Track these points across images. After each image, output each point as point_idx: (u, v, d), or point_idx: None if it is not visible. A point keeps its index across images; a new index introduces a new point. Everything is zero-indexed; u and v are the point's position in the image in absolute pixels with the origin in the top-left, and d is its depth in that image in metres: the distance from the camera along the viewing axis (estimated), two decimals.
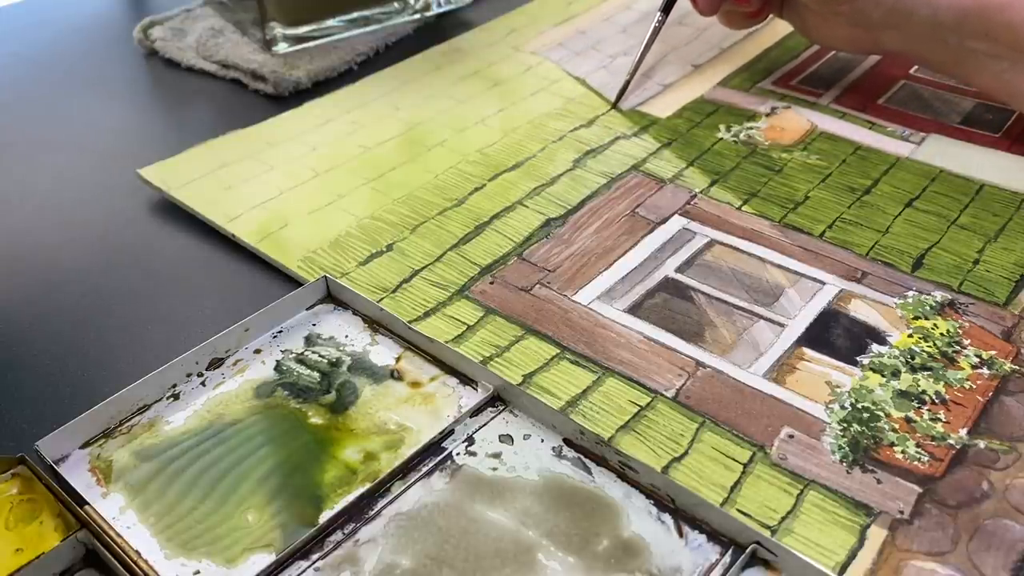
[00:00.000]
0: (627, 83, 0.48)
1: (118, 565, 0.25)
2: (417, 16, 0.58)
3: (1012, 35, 0.37)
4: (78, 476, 0.28)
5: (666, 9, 0.47)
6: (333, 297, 0.35)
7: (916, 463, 0.27)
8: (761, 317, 0.33)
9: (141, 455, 0.29)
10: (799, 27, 0.47)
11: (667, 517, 0.26)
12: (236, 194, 0.41)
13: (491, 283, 0.35)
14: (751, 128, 0.45)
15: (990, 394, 0.29)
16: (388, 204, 0.40)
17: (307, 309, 0.34)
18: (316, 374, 0.31)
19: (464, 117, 0.47)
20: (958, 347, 0.31)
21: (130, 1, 0.67)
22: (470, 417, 0.29)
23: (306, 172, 0.43)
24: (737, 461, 0.27)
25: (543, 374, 0.30)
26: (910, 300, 0.33)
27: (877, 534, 0.25)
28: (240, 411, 0.30)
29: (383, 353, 0.32)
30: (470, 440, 0.29)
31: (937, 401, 0.29)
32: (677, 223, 0.38)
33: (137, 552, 0.25)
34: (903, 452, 0.27)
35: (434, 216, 0.39)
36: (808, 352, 0.31)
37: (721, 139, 0.44)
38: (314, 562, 0.25)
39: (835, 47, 0.47)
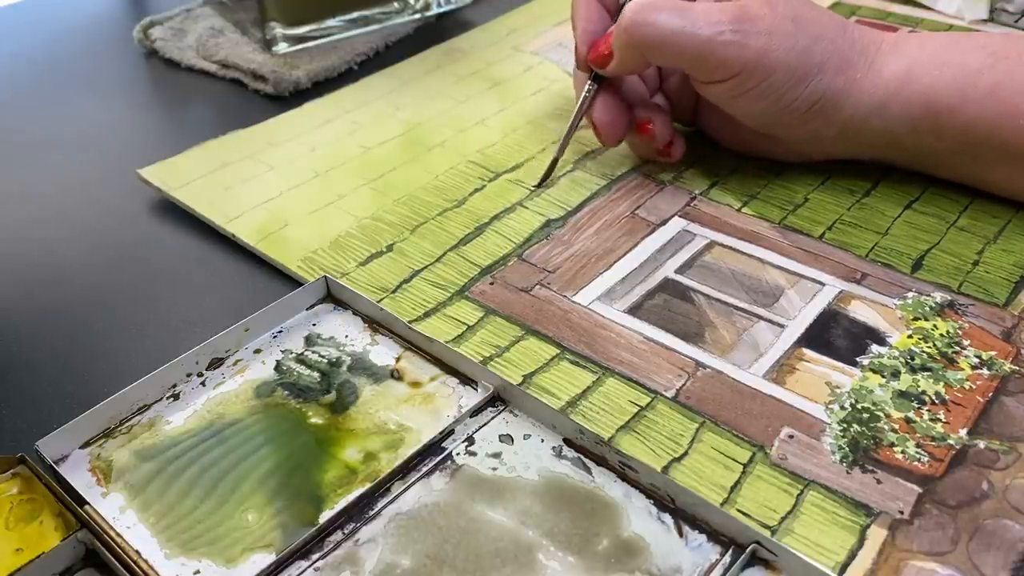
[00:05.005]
0: (555, 161, 0.41)
1: (118, 565, 0.25)
2: (417, 16, 0.58)
3: (967, 135, 0.36)
4: (78, 476, 0.28)
5: (596, 78, 0.39)
6: (333, 297, 0.35)
7: (916, 463, 0.27)
8: (761, 318, 0.33)
9: (141, 455, 0.28)
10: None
11: (667, 517, 0.26)
12: (236, 194, 0.41)
13: (491, 284, 0.35)
14: None
15: (990, 394, 0.29)
16: (388, 204, 0.40)
17: (307, 309, 0.34)
18: (316, 374, 0.31)
19: (464, 117, 0.47)
20: (958, 348, 0.31)
21: (130, 1, 0.67)
22: (470, 417, 0.29)
23: (306, 172, 0.43)
24: (737, 461, 0.27)
25: (543, 374, 0.30)
26: (910, 301, 0.33)
27: (877, 534, 0.25)
28: (240, 411, 0.30)
29: (383, 353, 0.32)
30: (470, 440, 0.29)
31: (937, 401, 0.29)
32: (677, 224, 0.38)
33: (137, 552, 0.25)
34: (903, 452, 0.27)
35: (434, 217, 0.39)
36: (808, 353, 0.31)
37: None
38: (314, 562, 0.25)
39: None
